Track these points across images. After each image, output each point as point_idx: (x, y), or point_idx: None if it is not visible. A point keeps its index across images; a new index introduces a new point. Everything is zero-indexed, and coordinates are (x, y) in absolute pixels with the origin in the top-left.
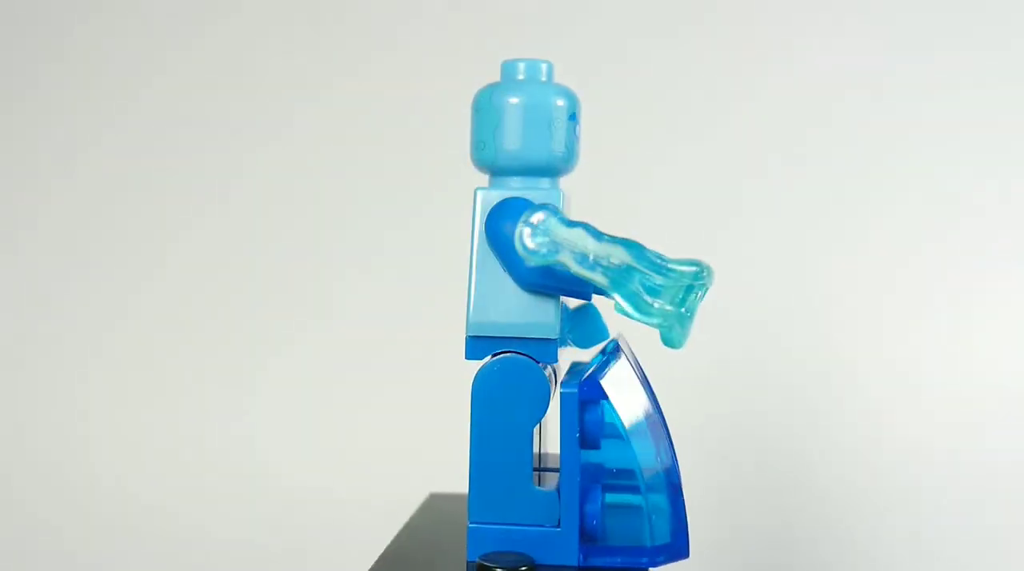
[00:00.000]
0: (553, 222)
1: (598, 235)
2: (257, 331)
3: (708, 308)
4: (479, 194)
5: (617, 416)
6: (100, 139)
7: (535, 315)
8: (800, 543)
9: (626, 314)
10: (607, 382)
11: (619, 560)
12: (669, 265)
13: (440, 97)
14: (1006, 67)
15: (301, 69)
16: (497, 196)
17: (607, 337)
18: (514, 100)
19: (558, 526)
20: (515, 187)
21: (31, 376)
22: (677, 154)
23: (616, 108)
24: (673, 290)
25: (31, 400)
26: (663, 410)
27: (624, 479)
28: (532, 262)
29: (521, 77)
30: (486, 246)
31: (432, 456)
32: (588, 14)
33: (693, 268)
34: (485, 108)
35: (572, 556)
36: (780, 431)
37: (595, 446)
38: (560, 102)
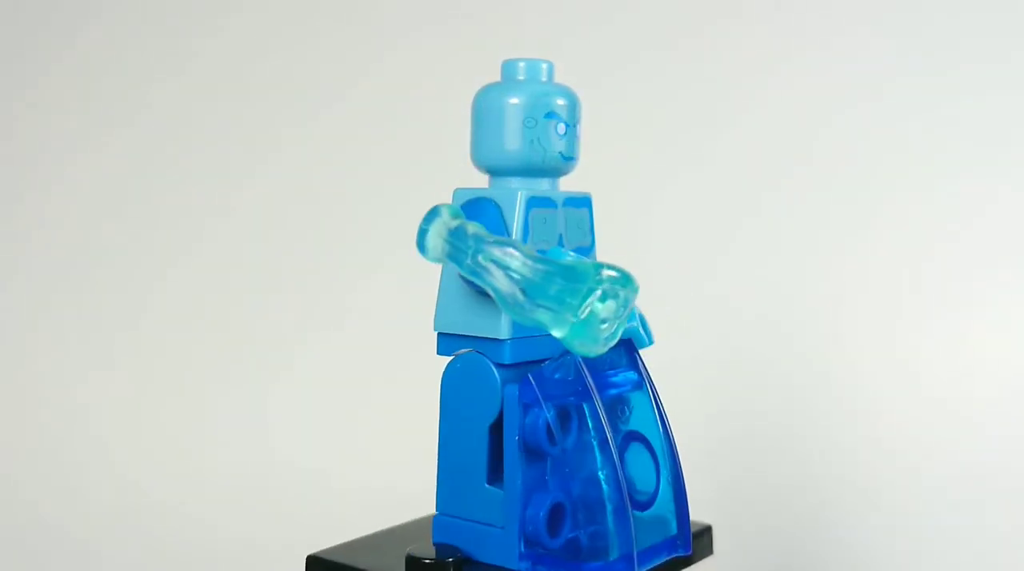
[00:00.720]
0: (446, 221)
1: (478, 239)
2: (268, 332)
3: (711, 308)
4: (455, 194)
5: (552, 423)
6: (112, 140)
7: (485, 314)
8: (800, 543)
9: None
10: (545, 386)
11: None
12: (558, 267)
13: (449, 98)
14: (1009, 70)
15: (307, 76)
16: (467, 195)
17: (646, 344)
18: (505, 100)
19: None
20: (513, 187)
21: (40, 375)
22: (683, 157)
23: (623, 111)
24: (567, 294)
25: (40, 399)
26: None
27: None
28: (425, 258)
29: (521, 77)
30: None
31: None
32: (593, 23)
33: (591, 271)
34: (477, 108)
35: (512, 559)
36: (780, 431)
37: (536, 450)
38: (555, 101)
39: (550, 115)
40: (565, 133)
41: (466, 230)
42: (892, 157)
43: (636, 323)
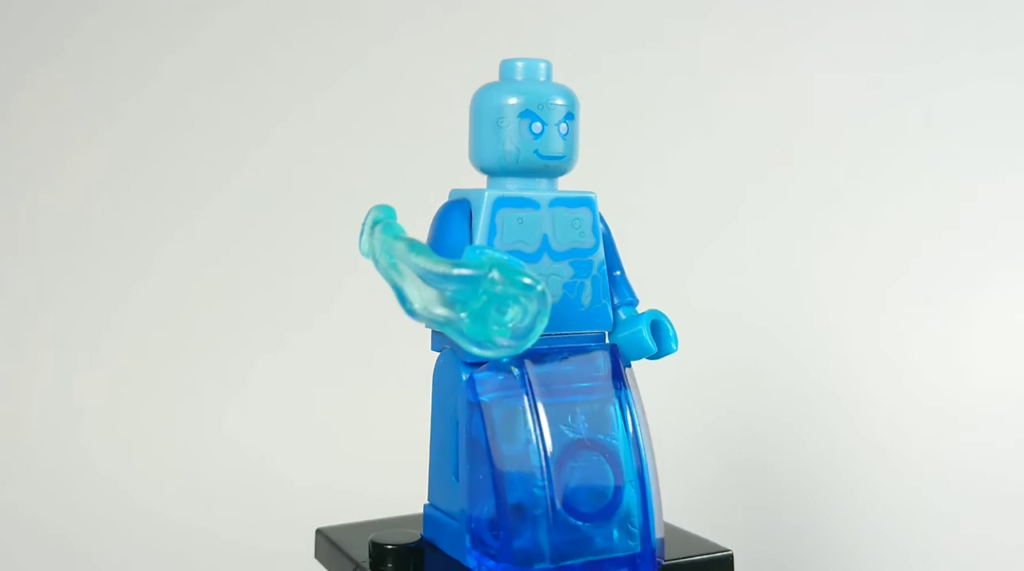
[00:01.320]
0: (367, 221)
1: (386, 240)
2: (250, 331)
3: (705, 311)
4: (450, 195)
5: (492, 424)
6: (92, 140)
7: None
8: (796, 547)
9: None
10: (489, 387)
11: None
12: (457, 270)
13: (439, 98)
14: (1000, 67)
15: (296, 70)
16: (455, 196)
17: (651, 351)
18: (489, 100)
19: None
20: (511, 188)
21: (22, 375)
22: (673, 157)
23: (610, 111)
24: (460, 296)
25: (22, 399)
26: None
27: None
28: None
29: (519, 77)
30: None
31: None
32: (582, 15)
33: (483, 273)
34: (477, 108)
35: (463, 553)
36: (780, 431)
37: (483, 449)
38: (532, 101)
39: (525, 114)
40: (542, 132)
41: (376, 230)
42: (887, 157)
43: (640, 328)
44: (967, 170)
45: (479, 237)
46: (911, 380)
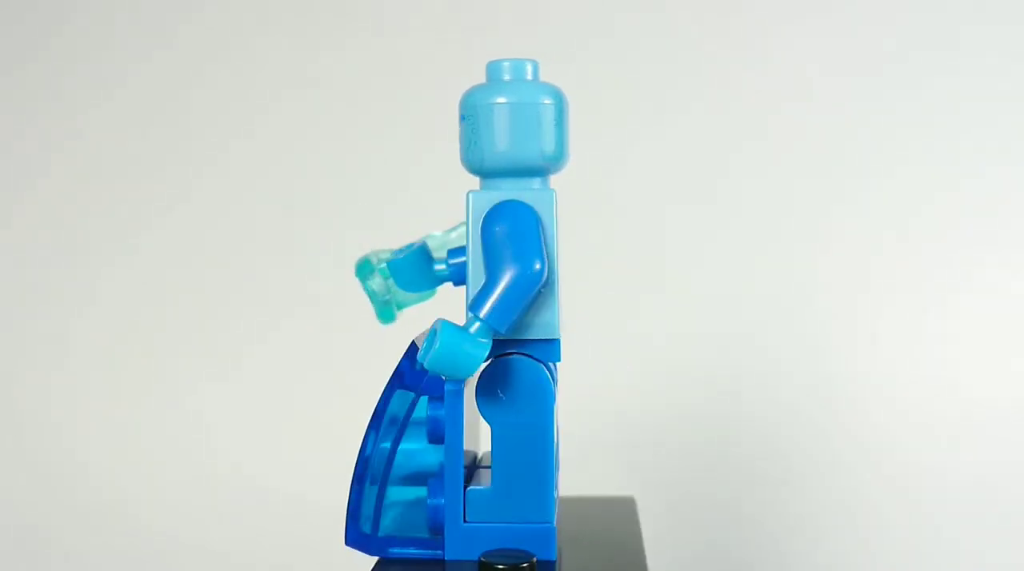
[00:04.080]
0: None
1: None
2: (226, 328)
3: (696, 306)
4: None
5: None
6: (74, 132)
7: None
8: (790, 554)
9: None
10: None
11: None
12: None
13: (429, 100)
14: (984, 63)
15: (288, 64)
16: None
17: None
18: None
19: None
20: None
21: None
22: (664, 155)
23: (591, 108)
24: None
25: None
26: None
27: None
28: None
29: (507, 77)
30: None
31: None
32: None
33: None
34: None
35: None
36: (775, 433)
37: None
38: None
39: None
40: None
41: None
42: (882, 160)
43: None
44: (969, 167)
45: None
46: (904, 384)
